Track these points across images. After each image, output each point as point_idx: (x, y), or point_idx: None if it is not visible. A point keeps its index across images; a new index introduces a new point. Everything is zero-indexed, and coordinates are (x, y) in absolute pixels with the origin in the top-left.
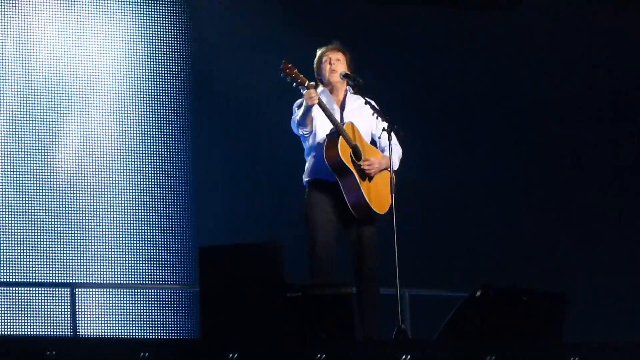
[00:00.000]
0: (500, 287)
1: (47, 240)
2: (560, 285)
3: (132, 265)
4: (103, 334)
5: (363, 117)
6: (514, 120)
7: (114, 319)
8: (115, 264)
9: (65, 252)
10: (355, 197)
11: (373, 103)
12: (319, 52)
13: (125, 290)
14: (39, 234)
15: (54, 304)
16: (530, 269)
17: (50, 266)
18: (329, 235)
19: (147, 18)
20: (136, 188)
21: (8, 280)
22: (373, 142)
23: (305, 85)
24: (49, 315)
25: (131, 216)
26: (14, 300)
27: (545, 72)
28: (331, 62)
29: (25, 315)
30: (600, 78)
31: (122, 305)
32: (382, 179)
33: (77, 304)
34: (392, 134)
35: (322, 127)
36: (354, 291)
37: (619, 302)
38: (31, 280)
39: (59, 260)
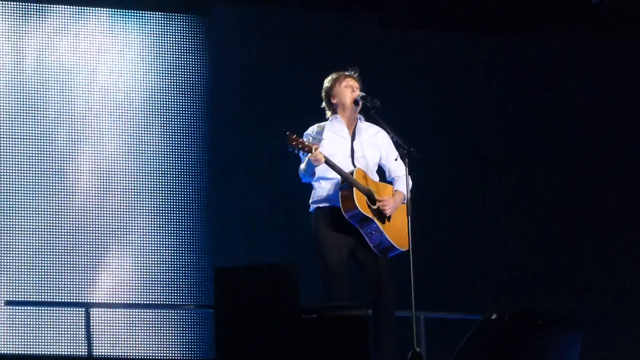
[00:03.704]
0: (516, 311)
1: (61, 261)
2: (575, 309)
3: (148, 285)
4: (118, 354)
5: (372, 148)
6: (529, 143)
7: (129, 339)
8: (131, 285)
9: (80, 273)
10: (380, 242)
11: (389, 130)
12: (334, 76)
13: (140, 310)
14: (52, 254)
15: (69, 324)
16: (546, 293)
17: (65, 287)
18: (340, 256)
19: (165, 40)
20: (152, 208)
21: (24, 300)
22: (380, 171)
23: (312, 150)
24: (64, 336)
25: (146, 236)
26: (30, 321)
27: (563, 95)
28: (354, 89)
29: (41, 335)
30: (622, 102)
31: (137, 325)
32: (399, 213)
33: (92, 324)
34: (407, 159)
35: (326, 148)
36: (370, 314)
37: (634, 326)
38: (46, 300)
39: (74, 282)
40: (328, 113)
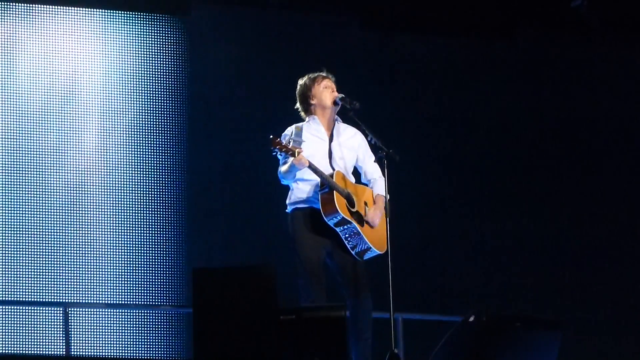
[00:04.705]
0: (494, 313)
1: (40, 260)
2: (555, 312)
3: (125, 285)
4: (96, 354)
5: (350, 150)
6: (508, 145)
7: (107, 339)
8: (108, 285)
9: (59, 272)
10: (358, 244)
11: (367, 132)
12: (312, 76)
13: (118, 310)
14: (38, 253)
15: (48, 324)
16: (525, 295)
17: (44, 286)
18: (317, 257)
19: (144, 40)
20: (131, 208)
21: (1, 299)
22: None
23: (296, 154)
24: (42, 336)
25: (126, 237)
26: (7, 320)
27: (541, 98)
28: (333, 90)
29: (19, 335)
30: (601, 106)
31: (115, 325)
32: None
33: (70, 324)
34: (386, 161)
35: (304, 150)
36: (347, 314)
37: (613, 331)
38: (25, 299)
39: (53, 280)
40: (303, 114)
